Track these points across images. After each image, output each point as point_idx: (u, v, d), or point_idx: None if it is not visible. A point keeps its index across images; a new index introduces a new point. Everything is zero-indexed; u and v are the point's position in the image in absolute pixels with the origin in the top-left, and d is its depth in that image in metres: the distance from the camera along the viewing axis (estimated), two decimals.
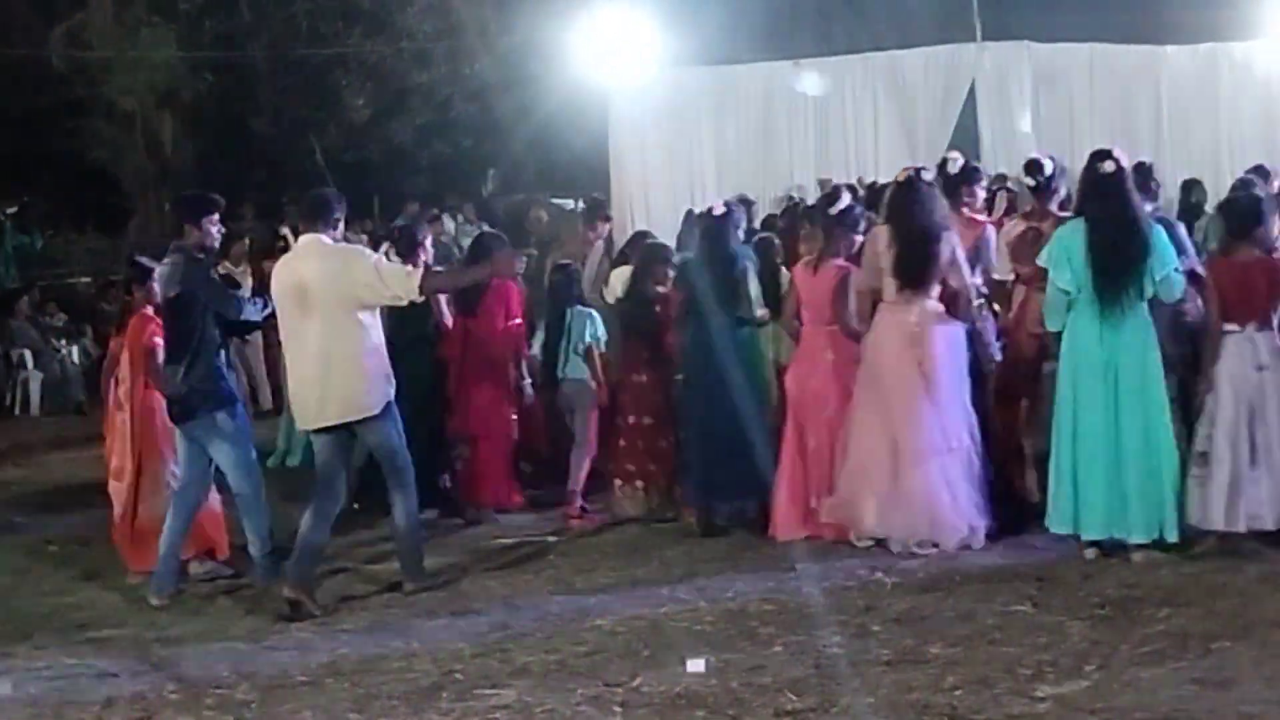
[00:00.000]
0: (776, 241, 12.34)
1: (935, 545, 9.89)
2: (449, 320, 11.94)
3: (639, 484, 11.54)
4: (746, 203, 16.20)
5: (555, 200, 27.26)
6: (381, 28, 30.87)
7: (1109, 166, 9.55)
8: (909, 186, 10.28)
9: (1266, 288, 9.28)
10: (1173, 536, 9.37)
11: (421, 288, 9.46)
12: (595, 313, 12.10)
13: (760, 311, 10.99)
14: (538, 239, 19.12)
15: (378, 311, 9.64)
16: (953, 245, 10.13)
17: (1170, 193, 16.99)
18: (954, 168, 11.28)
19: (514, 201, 27.46)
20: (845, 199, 10.96)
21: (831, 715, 6.99)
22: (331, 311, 9.37)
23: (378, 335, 9.55)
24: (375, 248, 13.44)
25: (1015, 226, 10.98)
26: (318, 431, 9.59)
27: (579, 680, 7.71)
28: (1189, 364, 10.12)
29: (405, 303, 9.57)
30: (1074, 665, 7.43)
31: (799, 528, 10.48)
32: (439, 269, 11.13)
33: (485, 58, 29.84)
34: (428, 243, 12.57)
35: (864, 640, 8.09)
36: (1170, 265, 9.39)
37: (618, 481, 11.67)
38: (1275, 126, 21.63)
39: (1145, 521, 9.37)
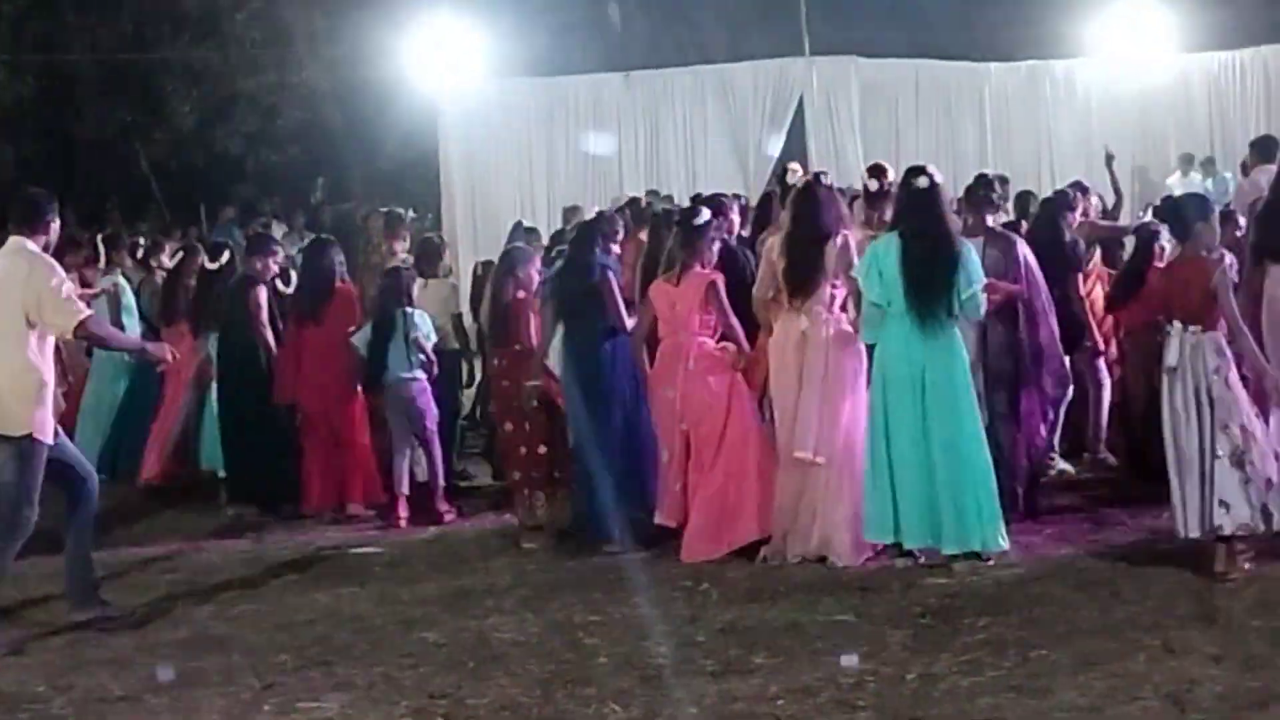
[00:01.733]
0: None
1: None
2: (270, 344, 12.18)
3: (526, 492, 11.39)
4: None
5: (384, 210, 27.05)
6: (209, 34, 30.47)
7: (923, 182, 9.63)
8: (807, 191, 10.27)
9: (1198, 289, 9.20)
10: (993, 547, 9.46)
11: (76, 330, 9.02)
12: (424, 312, 12.10)
13: (626, 321, 10.89)
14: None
15: (49, 340, 9.13)
16: (843, 246, 10.01)
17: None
18: (794, 179, 11.37)
19: (342, 210, 27.27)
20: (705, 213, 10.87)
21: None
22: (2, 315, 8.95)
23: (39, 360, 8.95)
24: (213, 255, 13.42)
25: (851, 235, 11.09)
26: None
27: (403, 693, 7.64)
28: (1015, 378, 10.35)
29: (59, 334, 9.16)
30: (895, 674, 7.49)
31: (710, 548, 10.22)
32: (102, 324, 10.47)
33: (313, 65, 29.61)
34: (273, 261, 12.64)
35: (689, 650, 8.10)
36: (977, 283, 9.47)
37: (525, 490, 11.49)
38: (1094, 142, 22.06)
39: (958, 533, 9.43)
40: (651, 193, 19.97)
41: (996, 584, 9.12)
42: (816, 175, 10.50)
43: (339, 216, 26.37)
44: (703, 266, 10.46)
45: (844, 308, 10.05)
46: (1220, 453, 8.97)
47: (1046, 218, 12.26)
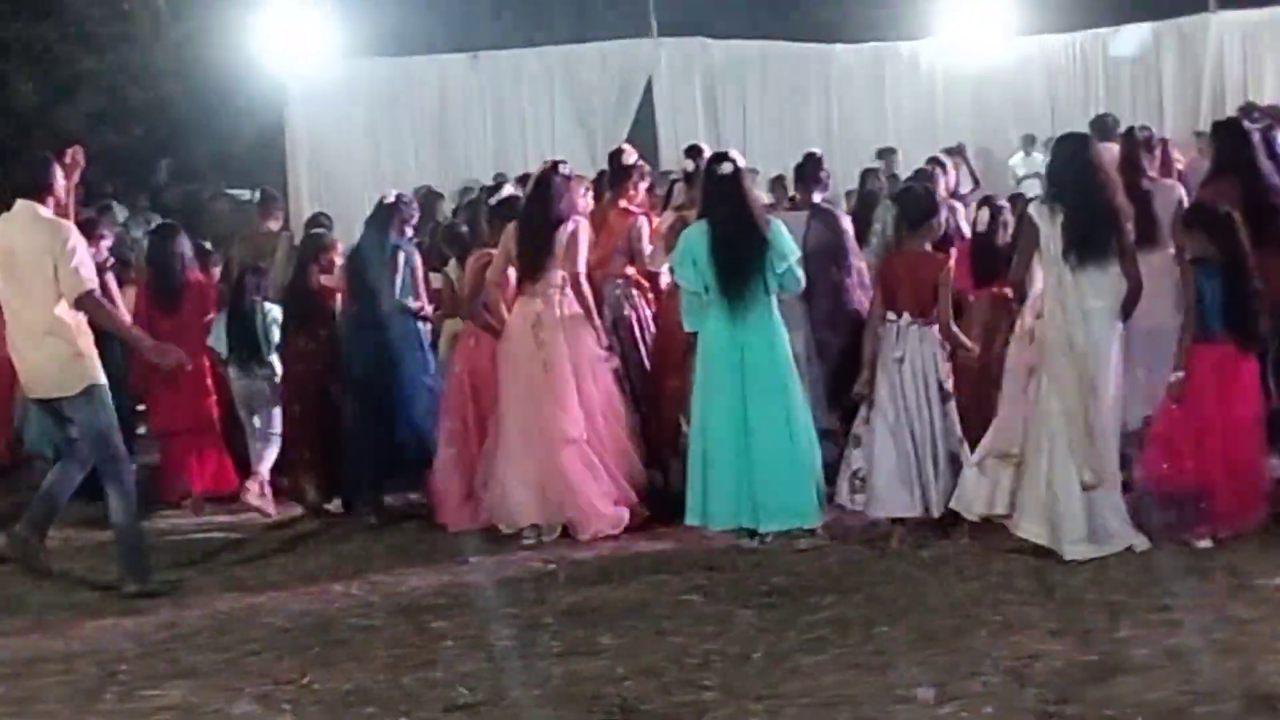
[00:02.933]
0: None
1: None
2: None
3: (305, 475, 11.47)
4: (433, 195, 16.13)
5: (231, 191, 26.80)
6: (49, 12, 29.89)
7: (727, 168, 9.73)
8: (541, 180, 10.47)
9: (928, 281, 9.46)
10: (812, 522, 9.61)
11: (79, 302, 9.11)
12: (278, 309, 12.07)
13: (415, 303, 11.06)
14: (215, 233, 18.77)
15: None
16: (573, 233, 10.26)
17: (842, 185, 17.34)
18: (629, 159, 11.51)
19: (187, 192, 26.90)
20: (508, 189, 11.10)
21: (502, 708, 6.97)
22: (32, 281, 9.10)
23: (69, 315, 9.15)
24: None
25: (666, 217, 11.22)
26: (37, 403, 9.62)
27: (248, 679, 7.56)
28: (848, 352, 10.41)
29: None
30: (741, 653, 7.52)
31: (466, 517, 10.53)
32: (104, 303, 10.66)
33: (157, 45, 29.15)
34: (103, 245, 12.45)
35: (535, 632, 8.09)
36: (790, 259, 9.60)
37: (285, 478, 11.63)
38: (938, 124, 22.27)
39: (781, 509, 9.58)
40: (499, 177, 19.90)
41: (842, 563, 9.20)
42: (554, 165, 10.62)
43: (184, 198, 26.04)
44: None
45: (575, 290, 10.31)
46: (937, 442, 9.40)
47: None
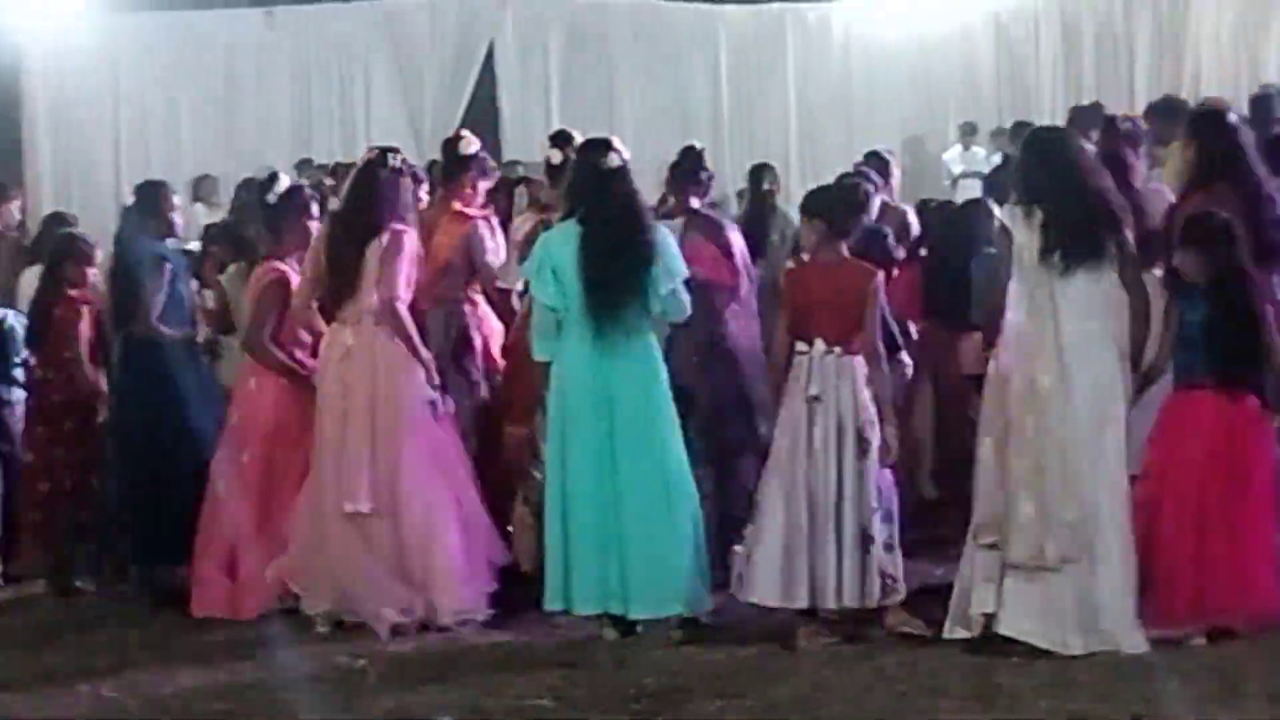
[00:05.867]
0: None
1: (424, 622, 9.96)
2: None
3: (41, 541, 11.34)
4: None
5: None
6: None
7: (613, 160, 9.69)
8: (363, 174, 10.34)
9: (852, 298, 9.40)
10: (694, 608, 9.57)
11: None
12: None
13: (170, 332, 10.95)
14: None
15: None
16: (389, 245, 10.08)
17: (729, 184, 17.38)
18: (468, 149, 11.36)
19: None
20: (285, 180, 10.89)
21: None
22: None
23: None
24: None
25: (525, 221, 11.16)
26: None
27: None
28: (724, 395, 10.54)
29: None
30: None
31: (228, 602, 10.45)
32: None
33: None
34: None
35: None
36: (678, 278, 9.58)
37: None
38: (853, 102, 22.43)
39: (655, 593, 9.52)
40: (304, 163, 19.83)
41: (729, 658, 9.21)
42: (382, 153, 10.44)
43: None
44: (287, 254, 10.76)
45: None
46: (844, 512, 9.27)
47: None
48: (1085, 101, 19.18)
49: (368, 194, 10.19)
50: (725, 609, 9.78)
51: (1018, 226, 9.07)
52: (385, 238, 10.04)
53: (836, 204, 9.87)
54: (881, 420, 9.38)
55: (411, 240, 10.21)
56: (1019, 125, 22.92)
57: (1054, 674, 8.61)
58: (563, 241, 9.61)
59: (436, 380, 10.22)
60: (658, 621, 9.59)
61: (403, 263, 10.06)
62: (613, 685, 8.84)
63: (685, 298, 9.66)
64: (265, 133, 22.02)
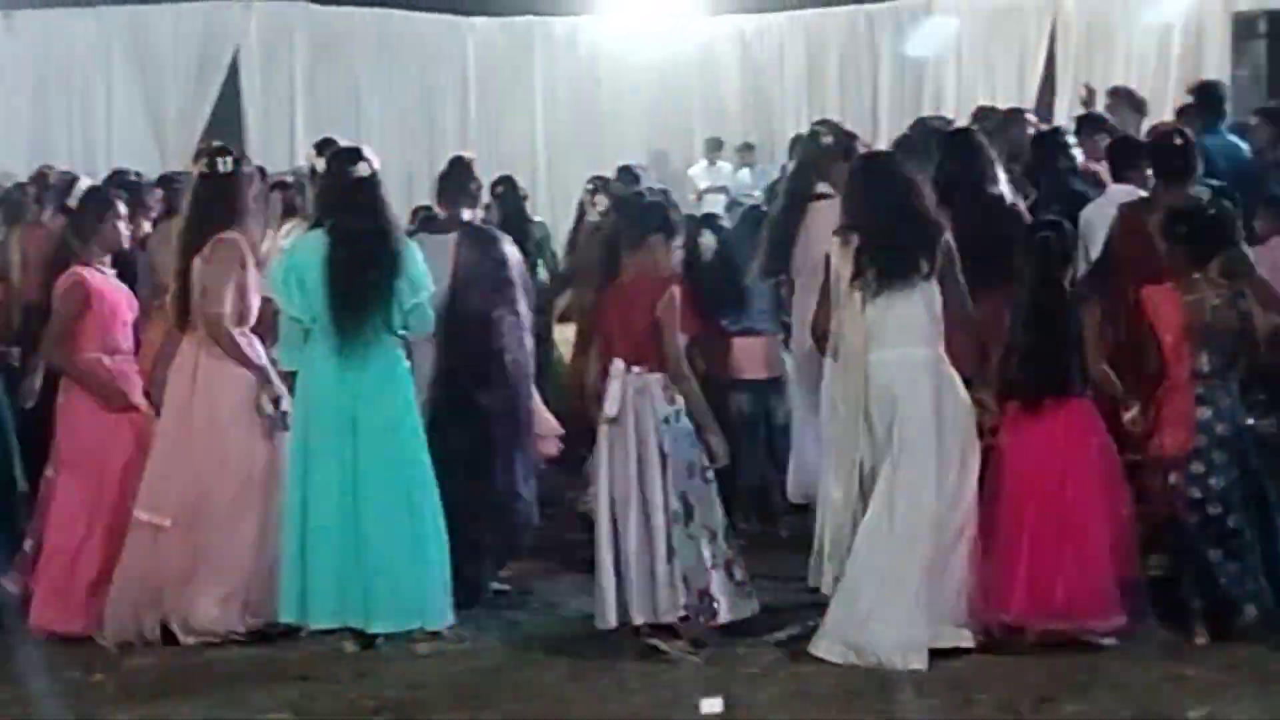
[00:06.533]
0: None
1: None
2: None
3: None
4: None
5: None
6: None
7: (363, 169, 9.65)
8: (197, 179, 10.11)
9: (642, 314, 9.34)
10: (437, 622, 9.57)
11: None
12: None
13: None
14: None
15: None
16: (208, 255, 9.84)
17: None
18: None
19: None
20: (85, 182, 10.68)
21: None
22: None
23: None
24: None
25: (296, 229, 11.07)
26: None
27: None
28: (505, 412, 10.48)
29: None
30: None
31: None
32: None
33: None
34: None
35: None
36: (423, 292, 9.54)
37: None
38: (602, 122, 22.51)
39: (396, 606, 9.48)
40: (45, 168, 19.51)
41: (473, 671, 9.21)
42: (212, 158, 10.24)
43: None
44: (80, 260, 10.42)
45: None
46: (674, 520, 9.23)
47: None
48: (832, 115, 19.37)
49: (196, 201, 10.01)
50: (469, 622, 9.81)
51: (835, 253, 9.19)
52: (208, 249, 9.87)
53: (633, 218, 9.88)
54: (700, 430, 9.36)
55: (237, 248, 9.93)
56: (748, 146, 23.32)
57: (793, 686, 8.70)
58: (310, 251, 9.56)
59: (277, 393, 9.96)
60: (400, 635, 9.57)
61: (224, 273, 9.84)
62: (352, 698, 8.80)
63: (429, 313, 9.63)
64: (2, 140, 21.66)
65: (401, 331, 9.57)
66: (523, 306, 10.80)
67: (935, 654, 8.87)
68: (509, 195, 14.30)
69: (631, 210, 10.11)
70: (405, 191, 12.57)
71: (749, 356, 11.85)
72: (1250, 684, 8.43)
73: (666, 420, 9.23)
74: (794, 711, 8.33)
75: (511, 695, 8.75)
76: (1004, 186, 10.54)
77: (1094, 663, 8.82)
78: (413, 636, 9.59)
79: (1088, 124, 13.50)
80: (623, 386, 9.27)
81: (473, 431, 10.46)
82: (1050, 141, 12.46)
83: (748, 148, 23.24)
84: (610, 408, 9.25)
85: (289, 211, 12.03)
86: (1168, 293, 9.25)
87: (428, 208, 12.51)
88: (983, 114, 14.99)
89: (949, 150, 10.78)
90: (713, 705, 7.94)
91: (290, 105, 22.04)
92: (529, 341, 10.88)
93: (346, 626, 9.56)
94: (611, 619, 9.21)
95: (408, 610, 9.51)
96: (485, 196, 13.07)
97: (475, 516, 10.19)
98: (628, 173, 14.64)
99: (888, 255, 9.08)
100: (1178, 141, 10.59)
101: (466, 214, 10.96)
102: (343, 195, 9.67)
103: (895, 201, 9.20)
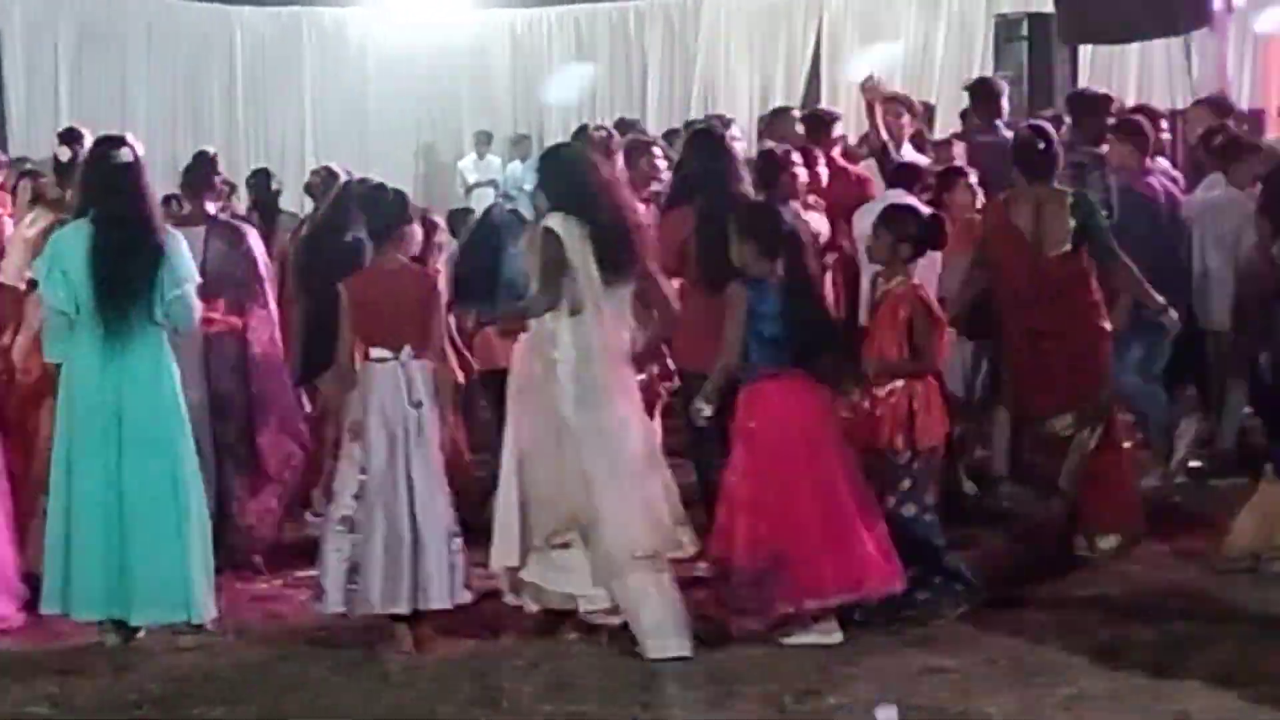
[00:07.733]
0: None
1: None
2: None
3: None
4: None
5: None
6: None
7: (125, 155, 9.54)
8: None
9: (417, 304, 9.37)
10: (199, 615, 9.46)
11: None
12: None
13: None
14: None
15: None
16: None
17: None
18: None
19: None
20: None
21: None
22: None
23: None
24: None
25: (35, 219, 10.97)
26: None
27: None
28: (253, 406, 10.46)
29: None
30: None
31: None
32: None
33: None
34: None
35: None
36: (186, 283, 9.45)
37: None
38: (369, 107, 22.47)
39: (159, 599, 9.39)
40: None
41: (237, 666, 9.16)
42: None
43: None
44: None
45: None
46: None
47: None
48: (600, 110, 19.50)
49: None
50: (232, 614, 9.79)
51: (568, 232, 9.10)
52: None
53: (378, 212, 9.78)
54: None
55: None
56: (521, 137, 23.40)
57: (556, 677, 8.74)
58: (73, 241, 9.42)
59: None
60: (163, 628, 9.50)
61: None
62: (114, 692, 8.71)
63: (192, 304, 9.52)
64: None
65: (161, 321, 9.46)
66: (265, 299, 10.92)
67: (698, 645, 8.96)
68: (261, 187, 14.36)
69: (376, 203, 10.00)
70: (171, 181, 12.46)
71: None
72: (1008, 677, 8.58)
73: (417, 404, 9.23)
74: (559, 701, 8.38)
75: (275, 689, 8.71)
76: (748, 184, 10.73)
77: (855, 655, 8.93)
78: (176, 629, 9.53)
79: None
80: (381, 374, 9.25)
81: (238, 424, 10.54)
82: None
83: (522, 138, 23.24)
84: (373, 398, 9.24)
85: (37, 199, 11.88)
86: None
87: (177, 197, 12.35)
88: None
89: (695, 147, 10.95)
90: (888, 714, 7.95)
91: (54, 92, 21.77)
92: (276, 335, 10.95)
93: (109, 618, 9.50)
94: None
95: (171, 603, 9.42)
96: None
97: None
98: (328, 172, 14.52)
99: (618, 249, 9.21)
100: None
101: (211, 207, 10.96)
102: (105, 182, 9.56)
103: (604, 195, 9.29)
